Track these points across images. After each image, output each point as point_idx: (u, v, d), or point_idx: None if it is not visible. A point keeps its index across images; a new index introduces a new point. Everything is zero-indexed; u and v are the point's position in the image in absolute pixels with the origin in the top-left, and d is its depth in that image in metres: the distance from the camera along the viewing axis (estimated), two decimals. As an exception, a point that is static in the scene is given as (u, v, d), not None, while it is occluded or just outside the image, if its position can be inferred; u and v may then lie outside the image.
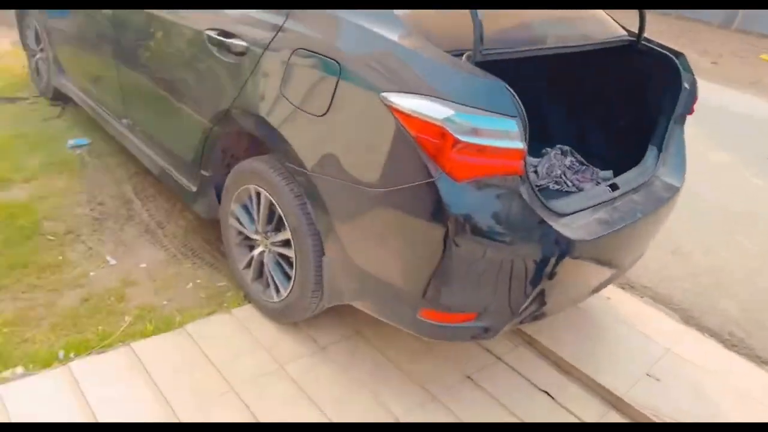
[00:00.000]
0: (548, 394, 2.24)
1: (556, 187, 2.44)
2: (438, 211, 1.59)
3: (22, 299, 2.25)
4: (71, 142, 3.46)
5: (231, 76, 2.10)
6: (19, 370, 1.91)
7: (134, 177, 3.21)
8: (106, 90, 3.10)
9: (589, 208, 1.94)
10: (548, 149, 2.55)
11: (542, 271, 1.77)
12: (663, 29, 9.07)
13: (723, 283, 3.07)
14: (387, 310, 1.87)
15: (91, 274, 2.45)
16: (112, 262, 2.54)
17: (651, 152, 2.32)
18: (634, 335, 2.62)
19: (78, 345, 2.05)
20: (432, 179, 1.57)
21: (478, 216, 1.61)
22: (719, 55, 8.20)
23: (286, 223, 2.03)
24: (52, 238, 2.63)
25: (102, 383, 1.91)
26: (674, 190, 2.23)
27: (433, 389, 2.13)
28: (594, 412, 2.19)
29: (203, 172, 2.40)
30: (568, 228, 1.78)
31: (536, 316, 1.94)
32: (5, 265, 2.40)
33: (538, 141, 2.55)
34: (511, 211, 1.66)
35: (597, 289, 2.23)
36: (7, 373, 1.90)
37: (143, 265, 2.54)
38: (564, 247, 1.76)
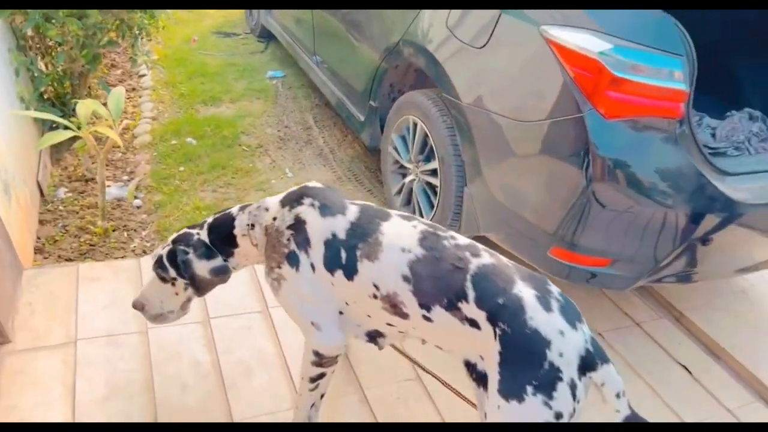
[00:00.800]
0: (686, 369, 2.13)
1: (736, 153, 2.21)
2: (582, 149, 1.60)
3: (219, 192, 2.75)
4: (270, 73, 3.98)
5: (401, 12, 2.26)
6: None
7: (315, 108, 3.61)
8: (302, 30, 3.50)
9: (763, 172, 1.76)
10: (734, 112, 2.31)
11: (692, 229, 1.68)
12: None
13: None
14: (519, 244, 1.93)
15: (272, 181, 2.87)
16: (290, 175, 2.95)
17: None
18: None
19: (254, 234, 2.47)
20: (581, 114, 1.58)
21: (624, 158, 1.59)
22: None
23: (436, 153, 2.17)
24: (246, 149, 3.12)
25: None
26: None
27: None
28: (736, 398, 2.03)
29: (371, 103, 2.64)
30: (731, 188, 1.65)
31: (680, 278, 1.85)
32: (210, 164, 2.93)
33: (726, 102, 2.35)
34: (663, 158, 1.60)
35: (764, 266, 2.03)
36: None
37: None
38: (722, 207, 1.65)
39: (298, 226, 1.40)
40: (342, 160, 3.12)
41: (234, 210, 1.54)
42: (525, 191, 1.83)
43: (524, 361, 1.16)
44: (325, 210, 1.40)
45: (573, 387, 1.15)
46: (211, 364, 1.84)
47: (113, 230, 2.45)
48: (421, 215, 2.38)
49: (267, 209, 1.48)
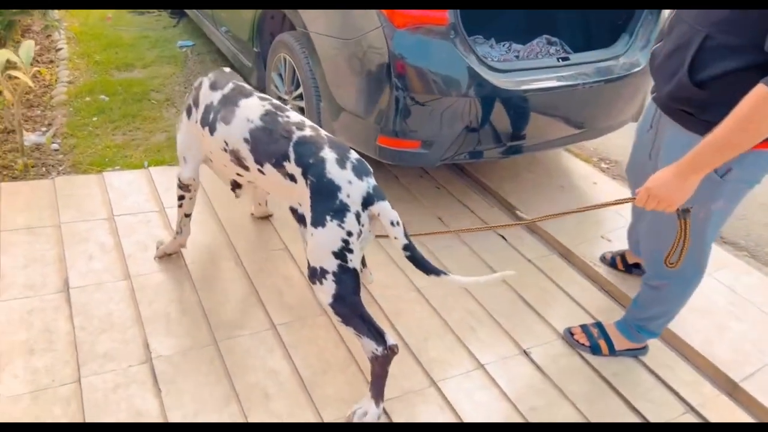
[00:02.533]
0: (503, 237, 2.73)
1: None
2: (383, 51, 2.15)
3: (128, 134, 3.19)
4: (180, 42, 4.41)
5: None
6: (118, 167, 2.83)
7: (221, 69, 4.07)
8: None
9: (529, 69, 2.36)
10: (535, 39, 2.93)
11: (469, 111, 2.25)
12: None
13: None
14: (357, 140, 2.46)
15: (176, 125, 3.33)
16: (192, 119, 3.41)
17: (623, 38, 2.64)
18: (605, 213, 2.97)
19: (158, 161, 2.93)
20: (380, 26, 2.13)
21: (412, 55, 2.14)
22: None
23: (300, 80, 2.69)
24: (154, 102, 3.56)
25: (167, 180, 2.75)
26: (633, 67, 2.54)
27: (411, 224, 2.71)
28: (538, 254, 2.64)
29: (255, 49, 3.14)
30: (496, 78, 2.24)
31: (473, 155, 2.42)
32: (120, 114, 3.36)
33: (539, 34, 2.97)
34: (442, 56, 2.17)
35: (545, 146, 2.64)
36: (111, 169, 2.83)
37: (213, 124, 3.38)
38: (489, 92, 2.23)
39: (197, 91, 2.00)
40: (241, 108, 3.60)
41: None
42: (354, 94, 2.37)
43: (324, 201, 1.65)
44: (213, 84, 1.97)
45: (357, 215, 1.65)
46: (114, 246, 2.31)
47: (33, 166, 2.85)
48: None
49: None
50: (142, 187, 2.71)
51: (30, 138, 3.05)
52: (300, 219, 1.80)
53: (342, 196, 1.63)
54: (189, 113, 2.01)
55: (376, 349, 1.66)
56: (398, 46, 2.14)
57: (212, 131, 1.89)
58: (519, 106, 2.33)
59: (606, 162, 3.48)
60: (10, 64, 2.75)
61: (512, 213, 2.93)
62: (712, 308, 2.34)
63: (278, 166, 1.74)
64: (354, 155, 1.73)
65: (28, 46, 2.74)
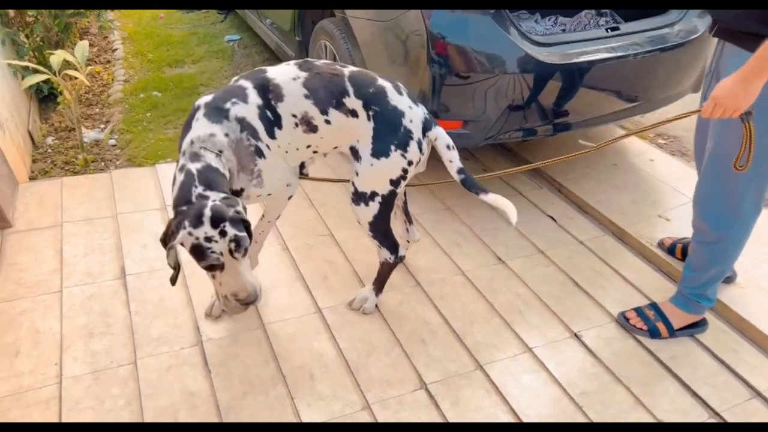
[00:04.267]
0: (553, 219, 2.64)
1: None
2: (421, 31, 2.11)
3: (179, 128, 3.27)
4: (227, 37, 4.51)
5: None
6: (170, 160, 2.93)
7: (266, 61, 4.13)
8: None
9: (576, 41, 2.26)
10: (583, 11, 2.80)
11: (513, 88, 2.18)
12: None
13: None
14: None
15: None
16: (239, 111, 3.48)
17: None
18: (660, 186, 2.82)
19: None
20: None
21: (451, 34, 2.09)
22: None
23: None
24: (203, 96, 3.66)
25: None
26: (690, 34, 2.39)
27: (455, 208, 2.67)
28: (590, 235, 2.54)
29: (297, 38, 3.16)
30: (540, 53, 2.15)
31: (519, 133, 2.34)
32: (172, 109, 3.47)
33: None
34: (481, 31, 2.10)
35: (596, 121, 2.52)
36: (163, 161, 2.94)
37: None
38: (533, 67, 2.15)
39: (244, 124, 1.63)
40: (286, 98, 3.64)
41: (188, 164, 1.57)
42: (394, 74, 2.33)
43: (389, 130, 1.67)
44: (234, 102, 1.63)
45: (419, 143, 1.72)
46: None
47: (92, 161, 3.00)
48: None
49: (211, 134, 1.58)
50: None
51: (89, 135, 3.21)
52: (355, 154, 1.75)
53: (406, 122, 1.68)
54: (260, 153, 1.67)
55: (390, 257, 1.94)
56: (436, 25, 2.09)
57: (279, 124, 1.67)
58: (566, 81, 2.23)
59: (664, 138, 3.29)
60: (68, 65, 2.89)
61: (560, 192, 2.84)
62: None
63: (339, 105, 1.68)
64: (402, 84, 1.77)
65: (82, 47, 2.86)
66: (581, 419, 1.72)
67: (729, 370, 1.90)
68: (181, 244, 1.52)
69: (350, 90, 1.68)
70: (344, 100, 1.68)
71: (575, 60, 2.20)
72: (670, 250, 2.36)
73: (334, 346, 1.93)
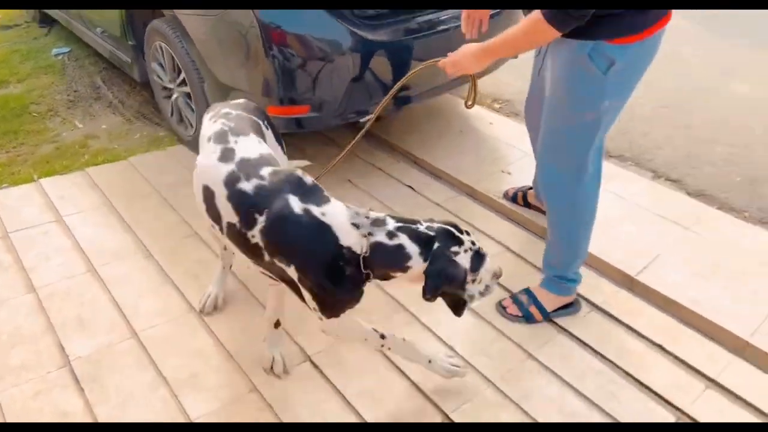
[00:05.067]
0: (411, 188, 2.83)
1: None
2: (252, 22, 2.16)
3: (12, 151, 3.03)
4: (55, 50, 4.18)
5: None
6: (5, 185, 2.70)
7: (103, 71, 3.91)
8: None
9: (403, 19, 2.43)
10: None
11: (349, 68, 2.30)
12: None
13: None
14: (249, 114, 2.46)
15: (63, 134, 3.19)
16: (80, 126, 3.27)
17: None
18: (499, 145, 3.13)
19: (47, 172, 2.81)
20: (245, -5, 2.13)
21: (283, 22, 2.16)
22: None
23: (179, 64, 2.64)
24: (35, 114, 3.38)
25: (60, 190, 2.66)
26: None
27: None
28: (445, 196, 2.76)
29: (130, 42, 3.03)
30: (370, 32, 2.30)
31: (360, 112, 2.47)
32: (2, 132, 3.17)
33: None
34: (311, 16, 2.19)
35: (435, 91, 2.73)
36: (-1, 188, 2.70)
37: (104, 127, 3.26)
38: (365, 47, 2.28)
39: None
40: (131, 107, 3.48)
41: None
42: (235, 70, 2.36)
43: None
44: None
45: None
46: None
47: None
48: (191, 125, 2.85)
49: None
50: (35, 199, 2.60)
51: None
52: None
53: None
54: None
55: None
56: (267, 15, 2.14)
57: None
58: (398, 56, 2.40)
59: (498, 102, 3.64)
60: None
61: (416, 164, 3.04)
62: (606, 218, 2.54)
63: None
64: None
65: None
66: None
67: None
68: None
69: None
70: None
71: (402, 37, 2.38)
72: (513, 199, 2.64)
73: (214, 341, 1.93)
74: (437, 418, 1.70)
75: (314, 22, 2.21)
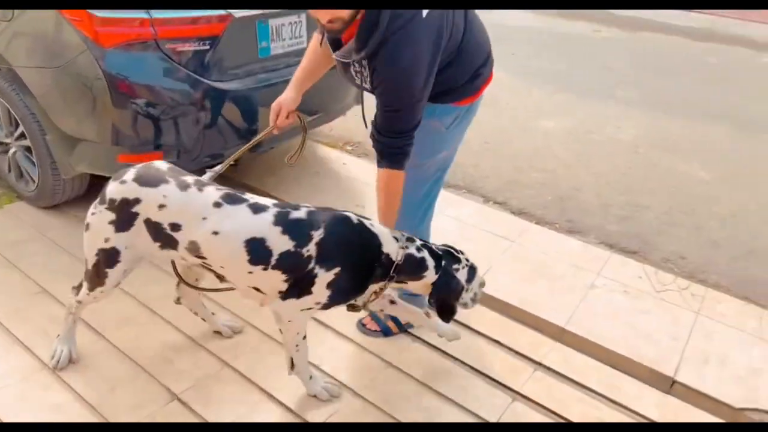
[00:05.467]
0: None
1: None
2: (97, 73, 2.20)
3: None
4: None
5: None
6: None
7: None
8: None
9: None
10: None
11: (199, 115, 2.42)
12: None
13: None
14: (99, 164, 2.45)
15: None
16: None
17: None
18: (353, 183, 3.40)
19: None
20: (86, 49, 2.17)
21: (129, 72, 2.23)
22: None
23: (17, 117, 2.55)
24: None
25: None
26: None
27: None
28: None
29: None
30: (220, 82, 2.45)
31: (215, 156, 2.58)
32: None
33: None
34: (156, 66, 2.29)
35: (289, 135, 2.89)
36: None
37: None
38: (212, 94, 2.42)
39: None
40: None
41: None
42: (80, 118, 2.36)
43: None
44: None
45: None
46: None
47: None
48: (33, 180, 2.73)
49: None
50: None
51: None
52: None
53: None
54: None
55: None
56: (112, 65, 2.20)
57: None
58: (247, 103, 2.57)
59: (350, 144, 3.94)
60: None
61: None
62: (446, 238, 2.88)
63: None
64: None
65: None
66: (327, 378, 2.03)
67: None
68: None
69: None
70: None
71: (252, 86, 2.56)
72: None
73: (71, 395, 1.86)
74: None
75: (161, 73, 2.30)
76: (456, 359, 2.16)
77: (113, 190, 1.67)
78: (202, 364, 2.04)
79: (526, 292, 2.48)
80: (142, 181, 1.65)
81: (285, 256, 1.63)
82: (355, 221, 1.72)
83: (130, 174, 1.68)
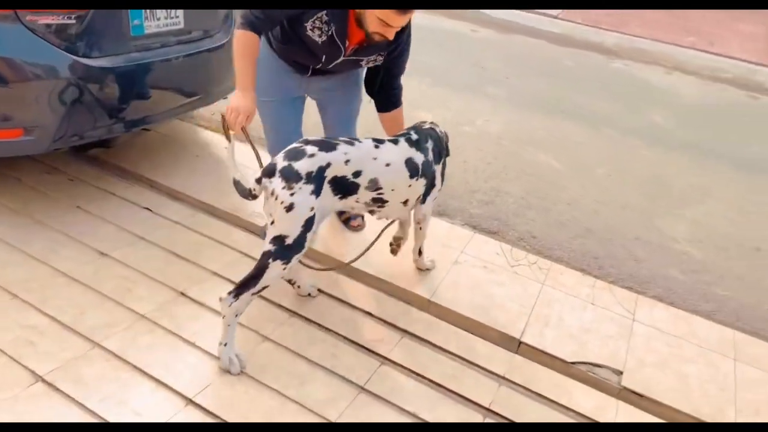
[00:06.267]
0: (149, 209, 2.90)
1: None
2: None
3: None
4: None
5: None
6: None
7: None
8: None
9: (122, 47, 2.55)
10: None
11: (66, 92, 2.33)
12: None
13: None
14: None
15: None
16: None
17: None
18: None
19: None
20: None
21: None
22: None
23: None
24: None
25: None
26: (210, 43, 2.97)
27: (45, 220, 2.63)
28: (184, 215, 2.91)
29: None
30: (87, 59, 2.37)
31: (91, 135, 2.52)
32: None
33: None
34: (17, 39, 2.18)
35: (165, 116, 2.90)
36: None
37: None
38: (82, 71, 2.35)
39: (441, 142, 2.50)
40: None
41: None
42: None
43: None
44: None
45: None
46: None
47: None
48: None
49: None
50: None
51: None
52: None
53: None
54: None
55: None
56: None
57: None
58: (117, 82, 2.51)
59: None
60: None
61: (153, 187, 3.11)
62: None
63: None
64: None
65: None
66: (200, 355, 2.08)
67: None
68: None
69: None
70: None
71: (123, 63, 2.50)
72: None
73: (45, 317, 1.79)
74: (182, 404, 1.87)
75: (24, 46, 2.19)
76: (330, 330, 2.31)
77: (304, 165, 1.90)
78: (69, 345, 2.00)
79: (397, 269, 2.69)
80: (323, 147, 1.96)
81: (424, 165, 2.24)
82: (437, 129, 2.45)
83: (309, 149, 1.93)
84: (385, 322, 2.41)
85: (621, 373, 2.29)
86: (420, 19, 7.52)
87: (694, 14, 9.30)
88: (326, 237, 2.85)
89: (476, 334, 2.45)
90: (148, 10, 2.60)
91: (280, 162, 1.91)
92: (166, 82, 2.78)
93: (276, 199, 1.88)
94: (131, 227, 2.73)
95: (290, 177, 1.87)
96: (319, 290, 2.51)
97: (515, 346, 2.42)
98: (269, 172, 1.91)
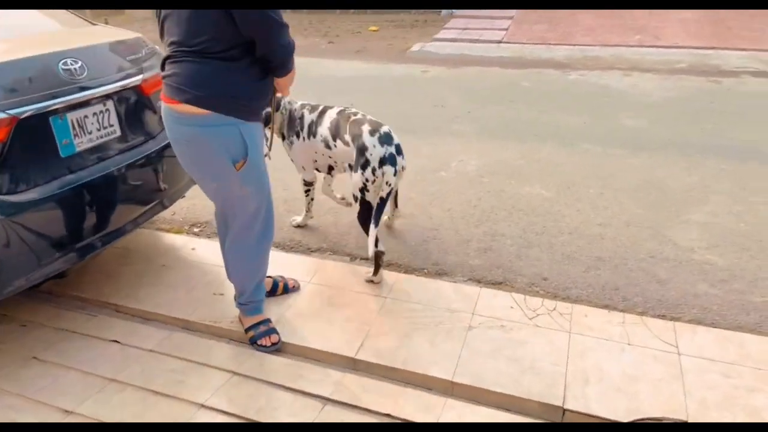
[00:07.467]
0: (117, 341, 2.55)
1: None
2: None
3: None
4: None
5: None
6: None
7: None
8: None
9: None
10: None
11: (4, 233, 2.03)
12: (294, 23, 10.25)
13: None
14: None
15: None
16: None
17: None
18: (207, 267, 3.10)
19: None
20: None
21: None
22: (336, 35, 9.64)
23: None
24: None
25: None
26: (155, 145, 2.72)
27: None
28: (158, 339, 2.56)
29: None
30: (13, 195, 2.07)
31: (46, 271, 2.19)
32: None
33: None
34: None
35: (125, 230, 2.61)
36: None
37: None
38: (10, 213, 2.04)
39: (300, 120, 3.06)
40: None
41: None
42: None
43: (359, 157, 2.68)
44: (312, 109, 3.07)
45: (373, 170, 2.65)
46: None
47: None
48: None
49: None
50: None
51: None
52: (347, 169, 2.88)
53: (367, 154, 2.65)
54: (298, 136, 3.01)
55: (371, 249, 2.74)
56: None
57: (315, 135, 2.96)
58: (53, 212, 2.21)
59: (197, 226, 3.63)
60: None
61: (118, 311, 2.78)
62: (313, 308, 2.72)
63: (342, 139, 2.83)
64: (384, 128, 2.70)
65: None
66: None
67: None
68: None
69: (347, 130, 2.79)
70: (344, 136, 2.80)
71: (53, 191, 2.20)
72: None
73: None
74: None
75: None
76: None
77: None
78: None
79: (408, 351, 2.38)
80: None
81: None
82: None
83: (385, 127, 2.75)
84: (409, 422, 2.08)
85: (686, 423, 1.99)
86: (370, 69, 7.48)
87: (633, 12, 9.47)
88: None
89: (513, 411, 2.14)
90: (76, 127, 2.33)
91: (395, 141, 2.71)
92: (114, 196, 2.49)
93: (403, 169, 2.76)
94: (98, 369, 2.37)
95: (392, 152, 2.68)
96: (326, 399, 2.18)
97: (559, 415, 2.11)
98: (390, 157, 2.65)
